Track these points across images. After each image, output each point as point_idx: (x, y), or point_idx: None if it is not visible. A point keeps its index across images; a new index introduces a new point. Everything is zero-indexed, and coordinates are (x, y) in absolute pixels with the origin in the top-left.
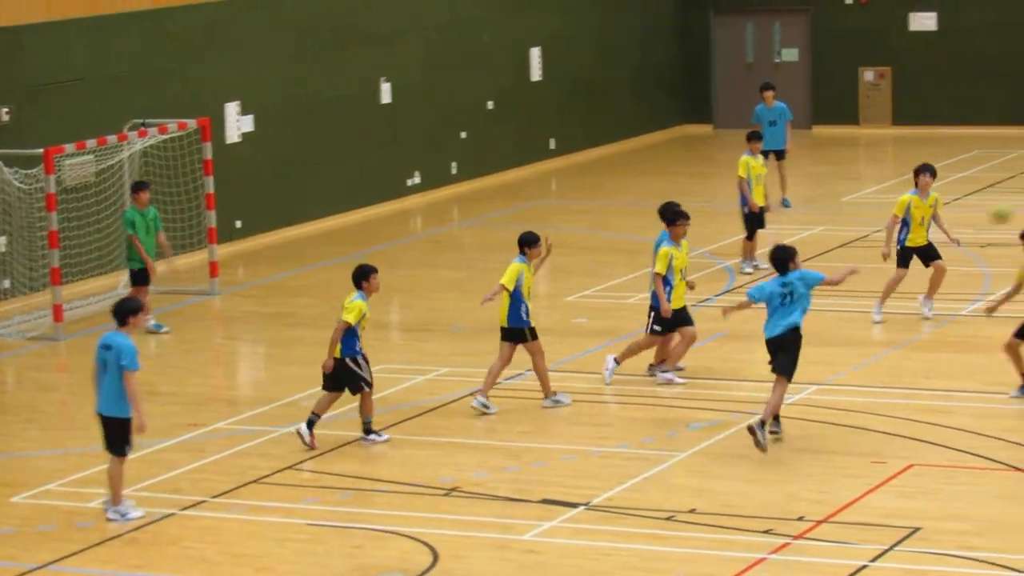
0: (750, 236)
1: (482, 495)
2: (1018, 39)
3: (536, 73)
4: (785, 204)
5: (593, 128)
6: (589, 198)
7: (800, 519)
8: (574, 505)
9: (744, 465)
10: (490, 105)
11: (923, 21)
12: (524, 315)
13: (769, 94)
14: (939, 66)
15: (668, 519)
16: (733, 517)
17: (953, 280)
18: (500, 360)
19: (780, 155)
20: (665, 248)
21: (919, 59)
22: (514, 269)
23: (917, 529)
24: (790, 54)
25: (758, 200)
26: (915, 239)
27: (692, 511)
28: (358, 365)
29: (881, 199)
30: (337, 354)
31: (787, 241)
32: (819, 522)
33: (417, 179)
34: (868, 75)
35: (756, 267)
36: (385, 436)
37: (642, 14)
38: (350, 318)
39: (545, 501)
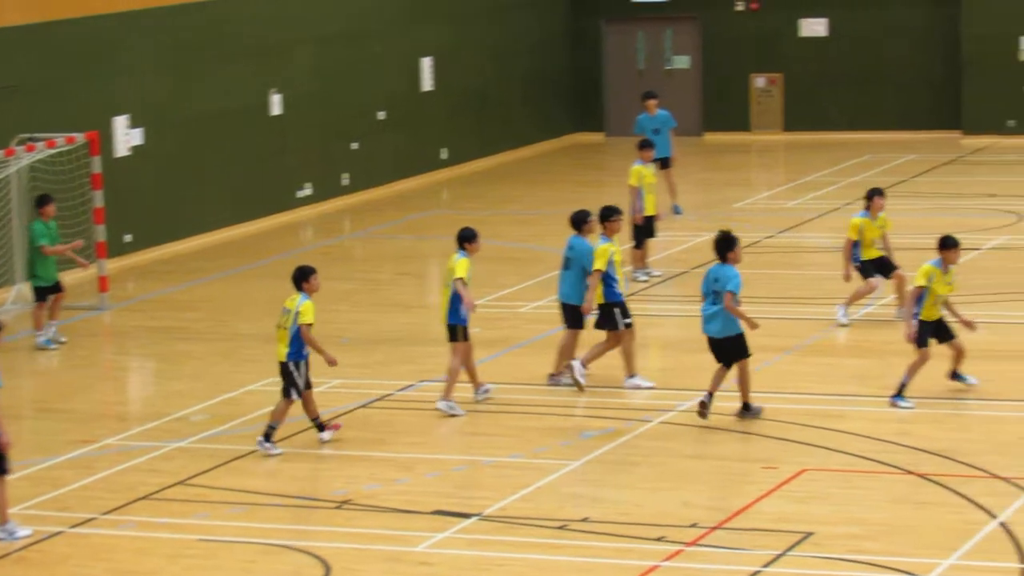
0: (638, 245)
1: (374, 507)
2: (907, 45)
3: (427, 83)
4: (676, 211)
5: (485, 138)
6: (481, 208)
7: (693, 526)
8: (467, 516)
9: (637, 473)
10: (381, 115)
11: (813, 27)
12: (463, 313)
13: (652, 103)
14: (830, 72)
15: (561, 528)
16: (626, 525)
17: (844, 287)
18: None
19: (665, 163)
20: (604, 245)
21: (810, 65)
22: (464, 263)
23: (810, 534)
24: (681, 61)
25: (649, 209)
26: (869, 254)
27: (585, 520)
28: (298, 370)
29: (772, 205)
30: (283, 358)
31: (680, 248)
32: (712, 528)
33: (308, 191)
34: (759, 81)
35: (649, 275)
36: (279, 450)
37: (533, 23)
38: (310, 318)
39: (438, 512)
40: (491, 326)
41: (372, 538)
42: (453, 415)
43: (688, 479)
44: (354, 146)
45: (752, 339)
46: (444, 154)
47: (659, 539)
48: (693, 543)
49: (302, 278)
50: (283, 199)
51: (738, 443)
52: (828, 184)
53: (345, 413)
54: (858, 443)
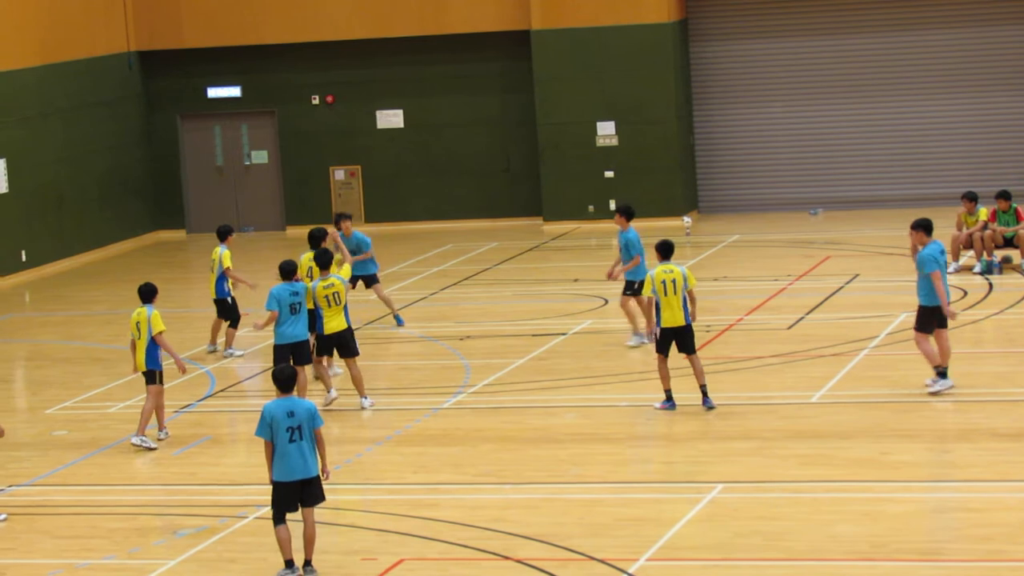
0: (235, 324)
1: None
2: (484, 133)
3: (2, 185)
4: (399, 322)
5: (64, 239)
6: (63, 310)
7: None
8: None
9: (235, 570)
10: None
11: (390, 118)
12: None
13: (346, 224)
14: (408, 163)
15: None
16: None
17: (433, 374)
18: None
19: (371, 280)
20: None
21: (388, 156)
22: (157, 315)
23: None
24: (260, 156)
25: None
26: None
27: None
28: None
29: (360, 296)
30: None
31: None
32: None
33: None
34: (339, 174)
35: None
36: (3, 516)
37: (108, 120)
38: None
39: None
40: (80, 428)
41: None
42: (146, 447)
43: None
44: None
45: (346, 431)
46: (24, 256)
47: None
48: None
49: None
50: None
51: (337, 536)
52: (412, 274)
53: None
54: (455, 531)
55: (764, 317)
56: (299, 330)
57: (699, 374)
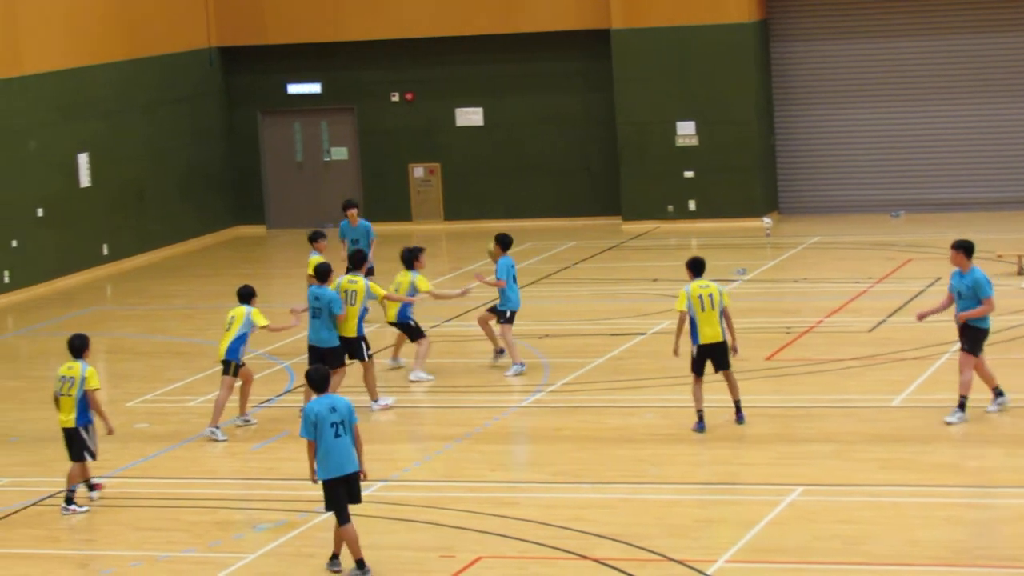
0: None
1: None
2: (563, 132)
3: (85, 179)
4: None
5: (145, 233)
6: (143, 303)
7: None
8: None
9: (312, 565)
10: (40, 212)
11: (469, 116)
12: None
13: (352, 212)
14: (487, 161)
15: None
16: None
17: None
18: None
19: (368, 272)
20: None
21: (467, 154)
22: (258, 312)
23: None
24: (339, 152)
25: None
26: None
27: None
28: (88, 433)
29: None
30: (73, 423)
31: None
32: None
33: None
34: (418, 171)
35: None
36: (84, 508)
37: (189, 116)
38: (96, 383)
39: None
40: (160, 421)
41: None
42: (215, 440)
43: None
44: (14, 243)
45: (420, 429)
46: (105, 250)
47: None
48: None
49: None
50: None
51: (414, 532)
52: (490, 272)
53: (16, 511)
54: (533, 529)
55: (845, 319)
56: (318, 335)
57: (734, 389)
